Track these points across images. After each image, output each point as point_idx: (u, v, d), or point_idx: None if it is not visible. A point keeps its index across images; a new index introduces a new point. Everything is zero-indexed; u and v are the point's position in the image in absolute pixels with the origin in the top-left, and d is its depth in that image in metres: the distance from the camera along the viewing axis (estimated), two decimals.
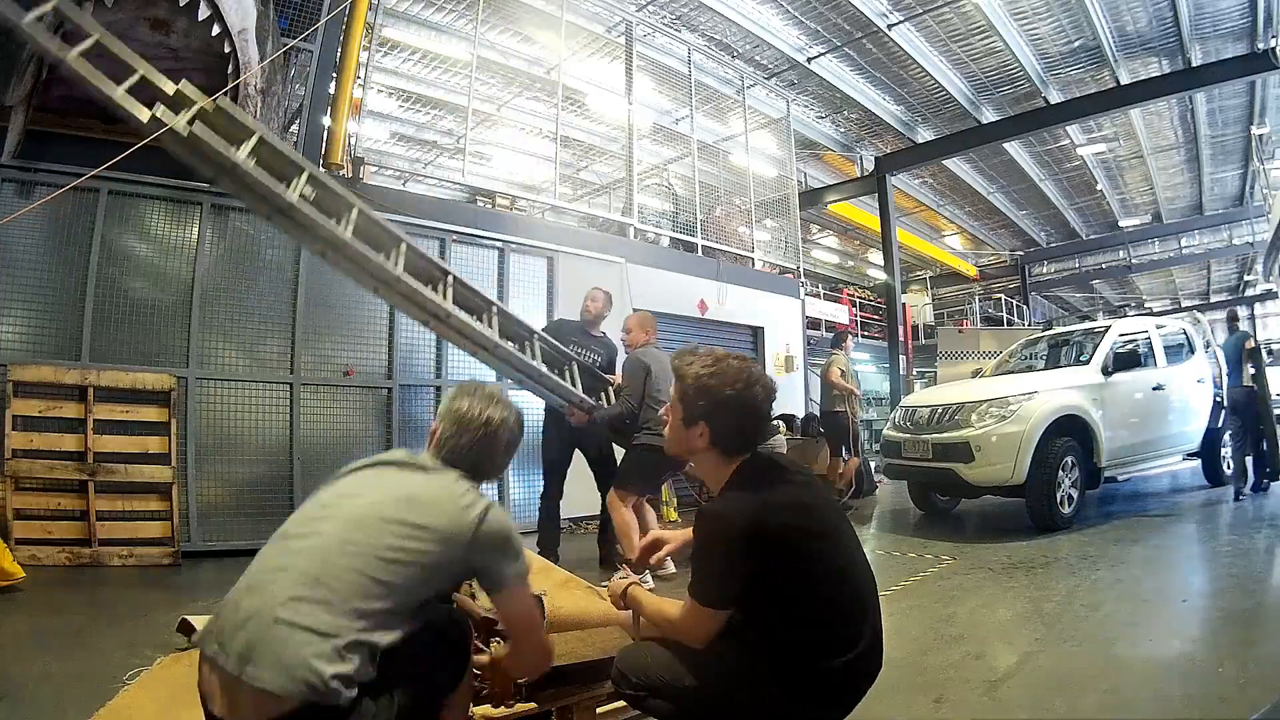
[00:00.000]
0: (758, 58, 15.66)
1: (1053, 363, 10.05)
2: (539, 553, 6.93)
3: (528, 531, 8.67)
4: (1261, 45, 14.24)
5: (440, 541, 2.17)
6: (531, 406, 6.86)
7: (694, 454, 2.53)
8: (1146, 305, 35.65)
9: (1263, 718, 3.10)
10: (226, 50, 6.24)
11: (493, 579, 2.30)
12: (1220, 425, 9.91)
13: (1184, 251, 29.69)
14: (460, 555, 2.21)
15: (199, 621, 4.00)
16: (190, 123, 5.05)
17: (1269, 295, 29.89)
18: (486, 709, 2.64)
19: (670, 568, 6.09)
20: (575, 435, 7.03)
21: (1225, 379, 9.86)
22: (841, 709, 2.34)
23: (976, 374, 11.01)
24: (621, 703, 2.96)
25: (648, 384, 6.45)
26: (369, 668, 1.98)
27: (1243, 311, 31.26)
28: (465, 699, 2.45)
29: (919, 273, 32.26)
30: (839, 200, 22.32)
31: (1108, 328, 9.46)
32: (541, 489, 7.24)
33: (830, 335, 21.40)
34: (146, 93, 5.08)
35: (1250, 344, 9.63)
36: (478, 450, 2.53)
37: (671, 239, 12.47)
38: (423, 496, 2.26)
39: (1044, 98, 17.02)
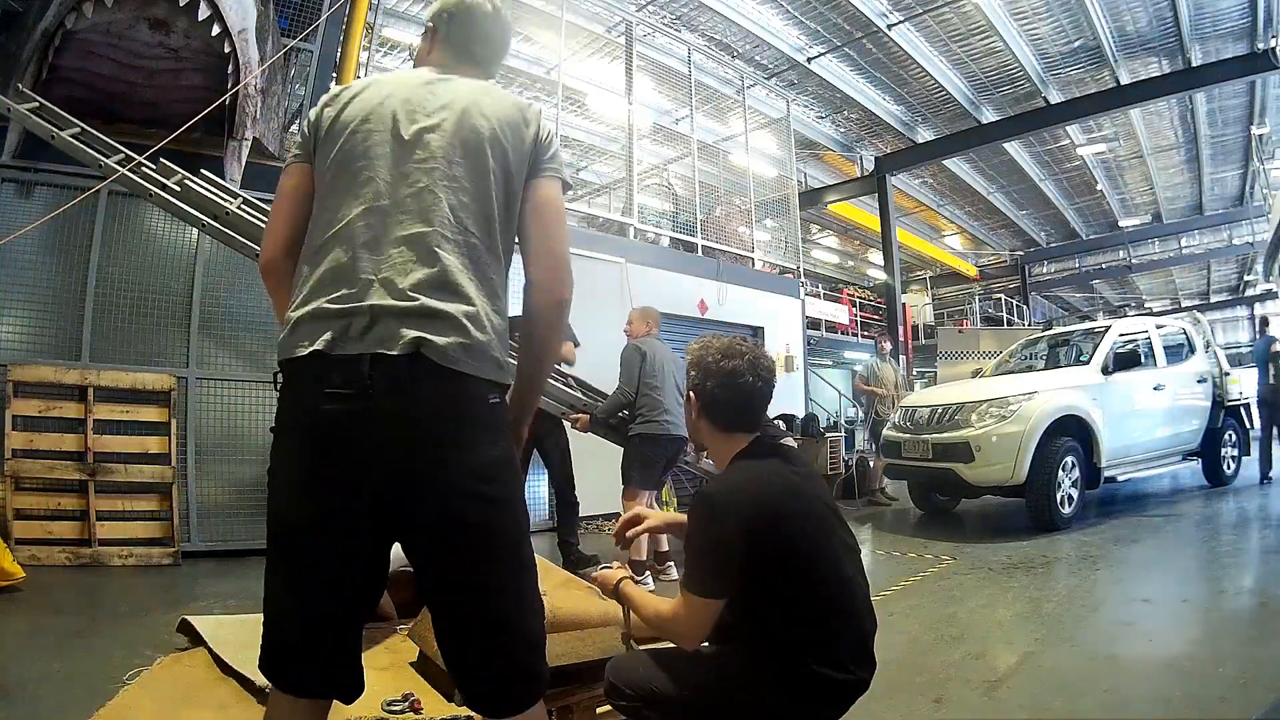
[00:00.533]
0: (758, 58, 15.68)
1: (1053, 363, 10.05)
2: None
3: (536, 531, 8.69)
4: (1261, 45, 14.26)
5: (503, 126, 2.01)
6: None
7: (694, 429, 2.54)
8: (1146, 305, 35.70)
9: (1262, 718, 3.10)
10: (226, 50, 6.23)
11: (540, 165, 2.07)
12: (1220, 425, 9.93)
13: (1184, 251, 29.75)
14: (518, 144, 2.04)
15: (199, 621, 4.01)
16: None
17: (1269, 295, 29.92)
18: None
19: (672, 573, 6.04)
20: (536, 435, 6.74)
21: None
22: (833, 712, 2.34)
23: (977, 374, 11.02)
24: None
25: (642, 370, 6.40)
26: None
27: (1242, 311, 31.47)
28: None
29: (919, 273, 32.28)
30: (839, 200, 22.35)
31: (1108, 328, 9.46)
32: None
33: (829, 336, 21.48)
34: None
35: (1277, 347, 10.33)
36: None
37: (671, 239, 12.48)
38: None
39: (1044, 98, 17.03)
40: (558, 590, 3.79)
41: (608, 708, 2.98)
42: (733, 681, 2.29)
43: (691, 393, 2.48)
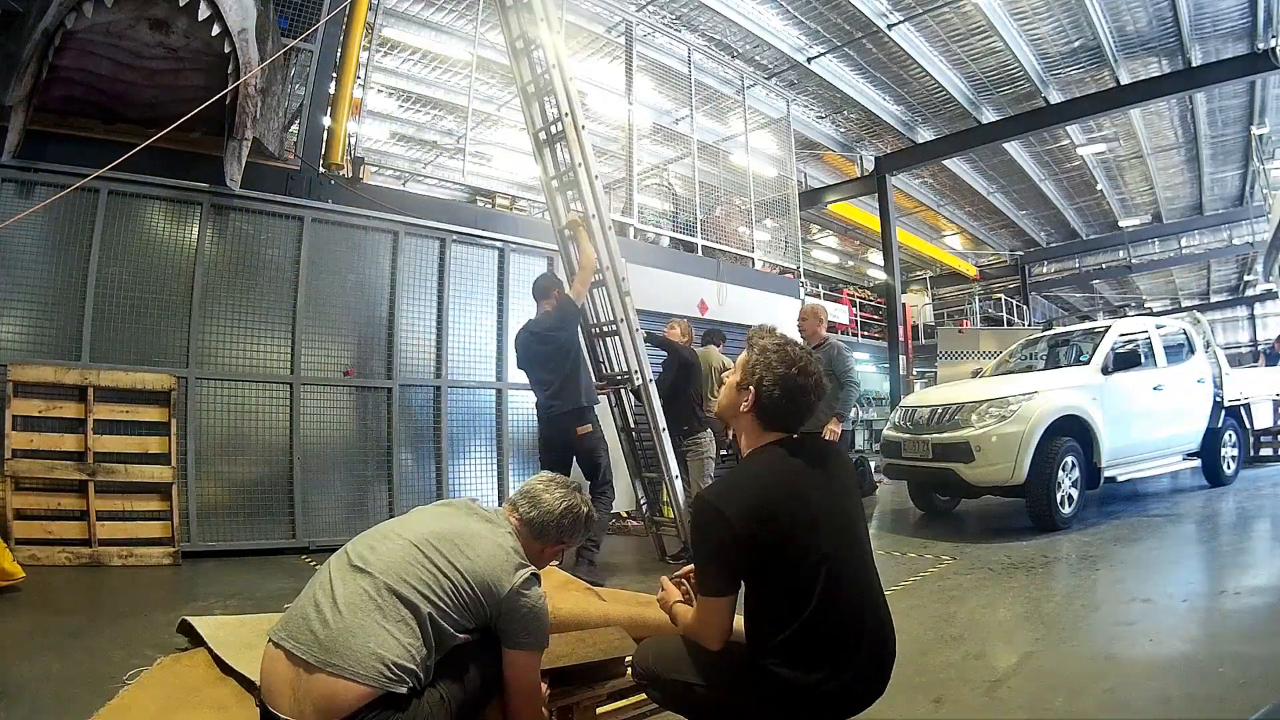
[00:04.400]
0: (758, 58, 15.65)
1: (1053, 363, 10.04)
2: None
3: None
4: (1261, 45, 14.23)
5: (477, 583, 2.45)
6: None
7: (737, 417, 2.60)
8: (1146, 305, 35.68)
9: (1262, 718, 3.10)
10: (226, 50, 6.23)
11: (512, 638, 2.53)
12: (1220, 425, 9.92)
13: (1184, 251, 29.69)
14: (491, 605, 2.48)
15: (199, 621, 4.00)
16: None
17: (1269, 295, 29.92)
18: None
19: None
20: (569, 439, 6.74)
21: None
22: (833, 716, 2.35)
23: (977, 374, 11.02)
24: (622, 702, 2.98)
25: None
26: (427, 670, 2.32)
27: (1242, 311, 31.54)
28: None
29: (919, 273, 32.26)
30: (839, 200, 22.32)
31: (1108, 328, 9.45)
32: None
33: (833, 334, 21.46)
34: None
35: None
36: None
37: (671, 239, 12.48)
38: (479, 543, 2.55)
39: (1044, 98, 17.00)
40: (558, 591, 3.80)
41: (609, 708, 2.99)
42: (730, 674, 2.37)
43: (752, 388, 2.52)
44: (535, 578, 2.58)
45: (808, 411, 2.54)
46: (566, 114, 6.94)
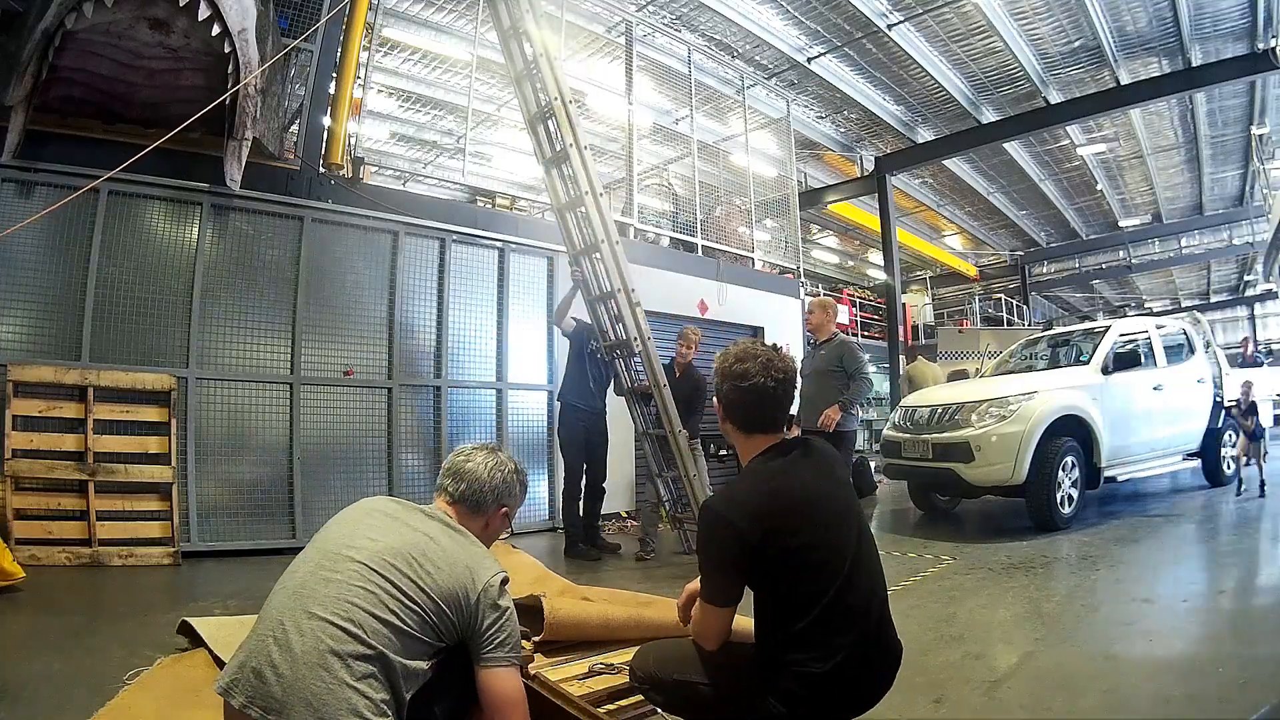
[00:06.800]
0: (758, 58, 15.65)
1: (1052, 363, 10.03)
2: (566, 549, 7.57)
3: (524, 533, 8.72)
4: (1261, 45, 14.23)
5: (444, 599, 2.23)
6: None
7: (727, 434, 2.66)
8: (1146, 305, 35.70)
9: (1262, 718, 3.10)
10: (226, 50, 6.22)
11: (489, 654, 2.31)
12: (1220, 425, 9.92)
13: (1184, 251, 29.69)
14: (460, 620, 2.26)
15: (199, 622, 4.02)
16: None
17: (1269, 295, 29.92)
18: None
19: None
20: (588, 436, 7.72)
21: None
22: (831, 716, 2.36)
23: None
24: (624, 701, 2.98)
25: None
26: (399, 713, 2.11)
27: (1242, 311, 31.53)
28: None
29: (919, 273, 32.25)
30: (839, 200, 22.32)
31: (1107, 328, 9.46)
32: (564, 489, 7.83)
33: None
34: None
35: None
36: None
37: (671, 239, 12.48)
38: (436, 552, 2.31)
39: (1044, 98, 16.99)
40: (557, 597, 3.81)
41: (610, 707, 2.99)
42: (737, 671, 2.41)
43: (718, 399, 2.61)
44: (503, 580, 2.38)
45: (778, 407, 2.56)
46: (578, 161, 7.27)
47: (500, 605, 2.32)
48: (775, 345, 2.76)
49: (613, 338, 7.47)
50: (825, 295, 14.48)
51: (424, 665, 2.19)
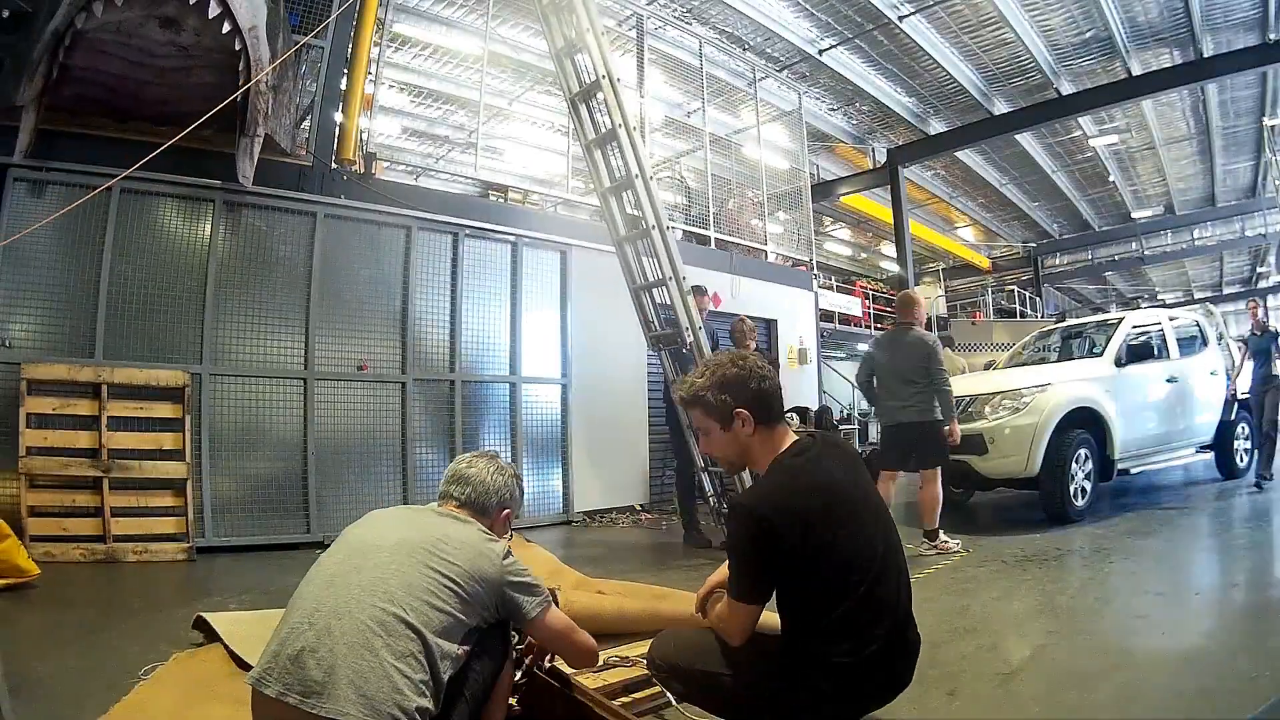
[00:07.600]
0: (769, 50, 15.64)
1: (1066, 355, 10.01)
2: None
3: (538, 525, 8.74)
4: (1273, 36, 14.18)
5: (469, 577, 2.33)
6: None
7: (748, 447, 2.60)
8: (1159, 297, 35.53)
9: (1262, 716, 3.08)
10: (237, 48, 6.23)
11: (524, 611, 2.48)
12: (1233, 418, 9.87)
13: (1196, 243, 29.55)
14: (489, 591, 2.38)
15: (214, 617, 4.03)
16: None
17: None
18: None
19: (953, 545, 6.70)
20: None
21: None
22: (855, 707, 2.37)
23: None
24: (639, 694, 2.99)
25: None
26: (438, 701, 2.17)
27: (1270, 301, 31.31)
28: (503, 700, 2.61)
29: (932, 265, 32.13)
30: (851, 192, 22.31)
31: (1121, 320, 9.40)
32: (677, 466, 8.25)
33: (842, 328, 21.47)
34: None
35: None
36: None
37: (684, 232, 12.46)
38: (453, 538, 2.42)
39: (1055, 89, 16.95)
40: (572, 590, 3.81)
41: (624, 700, 2.99)
42: (763, 661, 2.42)
43: (743, 408, 2.57)
44: (508, 550, 2.52)
45: (773, 386, 2.62)
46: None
47: (516, 569, 2.46)
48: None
49: (658, 329, 7.47)
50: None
51: (457, 649, 2.25)
